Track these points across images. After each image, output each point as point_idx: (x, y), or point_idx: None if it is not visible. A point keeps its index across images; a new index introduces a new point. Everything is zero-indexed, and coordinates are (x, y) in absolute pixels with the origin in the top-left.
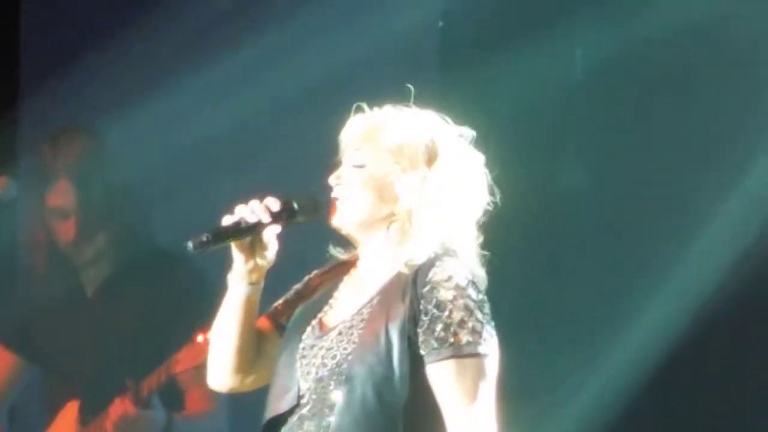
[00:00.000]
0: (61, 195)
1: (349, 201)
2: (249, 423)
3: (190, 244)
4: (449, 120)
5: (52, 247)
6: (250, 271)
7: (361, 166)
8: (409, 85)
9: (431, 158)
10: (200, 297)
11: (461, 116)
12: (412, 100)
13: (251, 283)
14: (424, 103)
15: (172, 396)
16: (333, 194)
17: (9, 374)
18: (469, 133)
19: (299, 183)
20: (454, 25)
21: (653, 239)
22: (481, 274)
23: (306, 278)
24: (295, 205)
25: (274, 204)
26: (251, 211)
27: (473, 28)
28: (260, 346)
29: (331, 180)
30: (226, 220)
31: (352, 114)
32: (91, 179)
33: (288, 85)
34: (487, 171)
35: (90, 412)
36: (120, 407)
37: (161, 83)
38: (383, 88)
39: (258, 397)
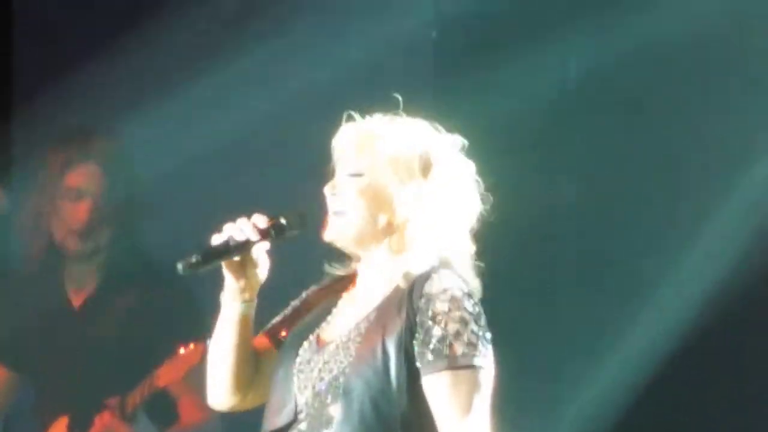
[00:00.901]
0: (86, 176)
1: (345, 215)
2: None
3: (180, 266)
4: (440, 129)
5: (50, 243)
6: (243, 289)
7: (359, 175)
8: (400, 95)
9: (426, 168)
10: (187, 313)
11: (455, 124)
12: (402, 108)
13: (244, 301)
14: (417, 111)
15: (164, 409)
16: (328, 205)
17: (1, 387)
18: (461, 141)
19: (292, 191)
20: (447, 34)
21: (647, 247)
22: (476, 285)
23: (303, 294)
24: (283, 221)
25: (261, 221)
26: (239, 229)
27: (466, 37)
28: (259, 363)
29: (326, 190)
30: (215, 240)
31: (343, 122)
32: (118, 169)
33: (281, 93)
34: (479, 179)
35: (78, 428)
36: (105, 422)
37: (157, 90)
38: (376, 96)
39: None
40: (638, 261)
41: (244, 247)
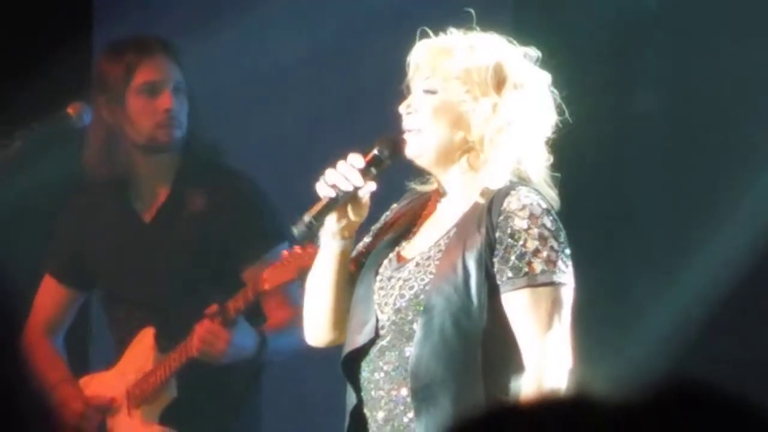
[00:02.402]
0: (156, 69)
1: (423, 132)
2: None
3: (295, 231)
4: (515, 42)
5: (117, 163)
6: (343, 228)
7: (433, 92)
8: (477, 10)
9: (500, 83)
10: (264, 212)
11: (534, 37)
12: (475, 22)
13: (344, 238)
14: (495, 23)
15: (252, 312)
16: (404, 124)
17: (60, 307)
18: (535, 53)
19: (368, 112)
20: None
21: (724, 167)
22: (553, 196)
23: (383, 216)
24: (377, 152)
25: (358, 161)
26: (344, 177)
27: None
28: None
29: (402, 108)
30: (322, 192)
31: (417, 39)
32: (183, 60)
33: (357, 7)
34: (555, 91)
35: (167, 338)
36: (207, 328)
37: (233, 11)
38: (453, 10)
39: None
40: (716, 179)
41: (353, 195)
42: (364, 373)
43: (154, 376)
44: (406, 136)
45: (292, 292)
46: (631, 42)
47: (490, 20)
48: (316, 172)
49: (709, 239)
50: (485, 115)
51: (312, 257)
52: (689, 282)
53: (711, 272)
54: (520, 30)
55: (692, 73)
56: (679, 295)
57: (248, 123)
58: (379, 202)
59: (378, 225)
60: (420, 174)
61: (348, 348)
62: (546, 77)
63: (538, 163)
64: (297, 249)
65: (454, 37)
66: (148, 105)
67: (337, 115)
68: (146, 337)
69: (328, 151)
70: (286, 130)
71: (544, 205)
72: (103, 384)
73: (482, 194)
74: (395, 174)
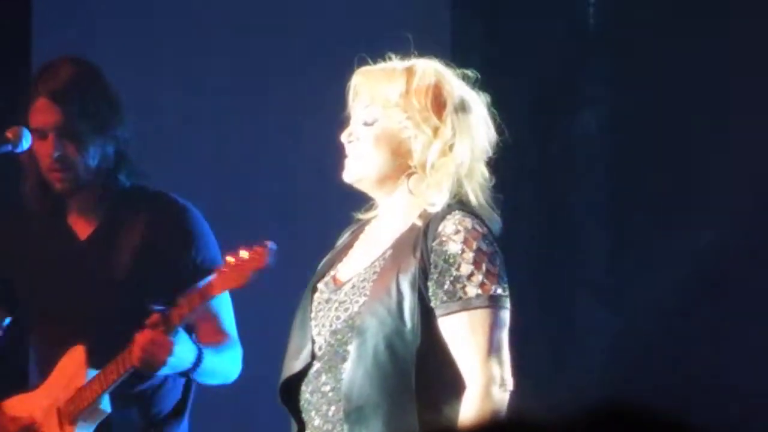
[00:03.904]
0: (41, 114)
1: (363, 158)
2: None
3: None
4: (452, 65)
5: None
6: None
7: (374, 121)
8: (416, 34)
9: (440, 107)
10: (198, 239)
11: (473, 59)
12: (413, 47)
13: None
14: (433, 48)
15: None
16: (346, 151)
17: None
18: (473, 74)
19: (308, 136)
20: None
21: (665, 187)
22: (495, 218)
23: (337, 242)
24: None
25: None
26: None
27: None
28: None
29: (343, 137)
30: None
31: (355, 66)
32: (73, 97)
33: (292, 36)
34: (495, 111)
35: (99, 355)
36: (149, 336)
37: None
38: (393, 32)
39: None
40: (664, 200)
41: None
42: (305, 395)
43: (89, 392)
44: (346, 161)
45: (224, 318)
46: (571, 62)
47: (428, 45)
48: (255, 199)
49: (649, 259)
50: (427, 140)
51: (262, 258)
52: (629, 302)
53: (651, 293)
54: (459, 53)
55: (632, 91)
56: (617, 315)
57: (183, 147)
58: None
59: (329, 254)
60: (365, 202)
61: (285, 374)
62: (485, 98)
63: (480, 185)
64: (243, 252)
65: (392, 63)
66: (39, 148)
67: (275, 142)
68: (77, 354)
69: (267, 177)
70: (224, 155)
71: (480, 229)
72: (29, 404)
73: (420, 216)
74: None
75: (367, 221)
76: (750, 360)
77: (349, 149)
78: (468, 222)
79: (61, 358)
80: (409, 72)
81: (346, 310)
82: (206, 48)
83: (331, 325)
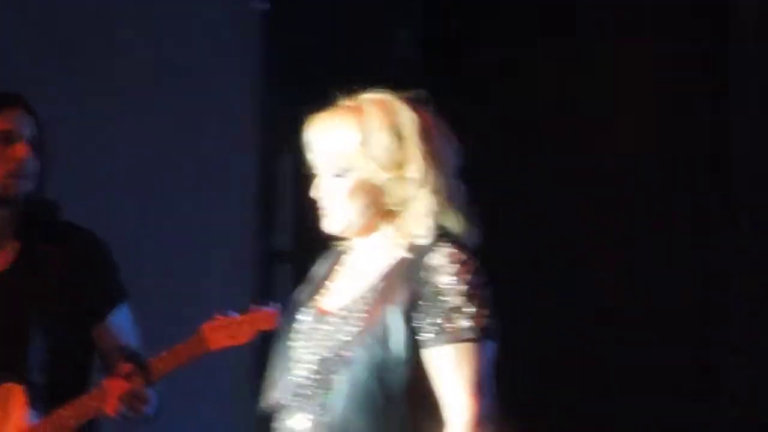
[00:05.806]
0: (14, 120)
1: (342, 211)
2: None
3: None
4: (397, 97)
5: None
6: None
7: (341, 176)
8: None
9: (402, 143)
10: (108, 270)
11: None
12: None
13: None
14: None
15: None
16: (320, 205)
17: None
18: (423, 94)
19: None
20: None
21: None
22: (475, 234)
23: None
24: None
25: None
26: None
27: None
28: None
29: (314, 193)
30: None
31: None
32: (39, 116)
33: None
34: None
35: (40, 399)
36: (127, 388)
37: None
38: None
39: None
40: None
41: None
42: (288, 422)
43: None
44: (325, 216)
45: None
46: None
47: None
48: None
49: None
50: (398, 178)
51: (270, 320)
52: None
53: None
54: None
55: None
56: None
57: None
58: None
59: (308, 286)
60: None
61: (266, 403)
62: (440, 117)
63: (460, 205)
64: (263, 309)
65: (342, 111)
66: (2, 153)
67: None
68: (14, 394)
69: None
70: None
71: (470, 261)
72: None
73: (409, 250)
74: None
75: (343, 251)
76: None
77: (321, 204)
78: (457, 254)
79: None
80: (362, 117)
81: (334, 340)
82: None
83: (318, 356)
